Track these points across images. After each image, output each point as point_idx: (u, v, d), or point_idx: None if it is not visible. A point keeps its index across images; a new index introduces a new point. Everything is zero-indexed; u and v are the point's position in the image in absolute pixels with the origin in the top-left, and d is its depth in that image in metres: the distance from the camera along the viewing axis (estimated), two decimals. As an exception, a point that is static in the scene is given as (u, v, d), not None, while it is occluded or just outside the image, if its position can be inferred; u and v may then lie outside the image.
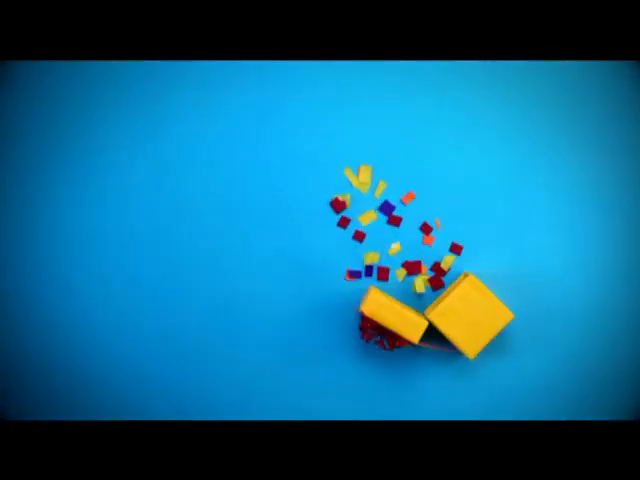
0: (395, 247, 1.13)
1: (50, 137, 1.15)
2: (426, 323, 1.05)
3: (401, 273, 1.14)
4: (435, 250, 1.14)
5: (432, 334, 1.14)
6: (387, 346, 1.10)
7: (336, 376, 1.16)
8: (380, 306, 1.05)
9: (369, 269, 1.13)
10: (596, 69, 1.14)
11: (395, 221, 1.14)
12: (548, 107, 1.15)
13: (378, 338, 1.11)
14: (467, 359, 1.14)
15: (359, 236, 1.14)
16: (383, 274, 1.13)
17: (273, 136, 1.15)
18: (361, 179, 1.13)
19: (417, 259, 1.14)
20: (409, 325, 1.04)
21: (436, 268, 1.13)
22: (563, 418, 1.14)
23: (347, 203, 1.14)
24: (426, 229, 1.13)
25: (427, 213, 1.15)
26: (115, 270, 1.16)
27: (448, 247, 1.14)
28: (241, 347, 1.16)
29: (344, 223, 1.14)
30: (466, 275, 1.09)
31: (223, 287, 1.16)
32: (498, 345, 1.14)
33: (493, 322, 1.07)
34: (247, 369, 1.16)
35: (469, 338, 1.06)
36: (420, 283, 1.13)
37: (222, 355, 1.16)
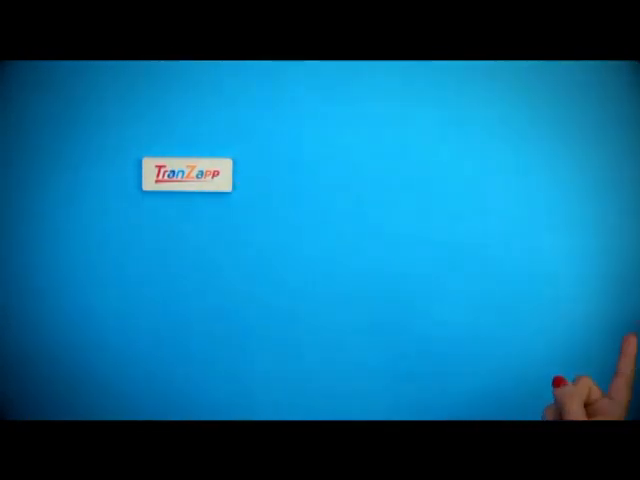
0: None
1: (49, 137, 1.16)
2: None
3: None
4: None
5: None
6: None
7: (336, 376, 1.16)
8: None
9: None
10: (596, 69, 1.14)
11: None
12: (548, 107, 1.15)
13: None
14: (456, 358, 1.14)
15: None
16: None
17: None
18: None
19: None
20: None
21: None
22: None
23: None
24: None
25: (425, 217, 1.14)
26: (115, 271, 1.16)
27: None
28: (243, 348, 1.17)
29: None
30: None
31: (221, 288, 1.16)
32: (499, 344, 1.15)
33: None
34: (248, 370, 1.17)
35: None
36: None
37: (224, 355, 1.17)
